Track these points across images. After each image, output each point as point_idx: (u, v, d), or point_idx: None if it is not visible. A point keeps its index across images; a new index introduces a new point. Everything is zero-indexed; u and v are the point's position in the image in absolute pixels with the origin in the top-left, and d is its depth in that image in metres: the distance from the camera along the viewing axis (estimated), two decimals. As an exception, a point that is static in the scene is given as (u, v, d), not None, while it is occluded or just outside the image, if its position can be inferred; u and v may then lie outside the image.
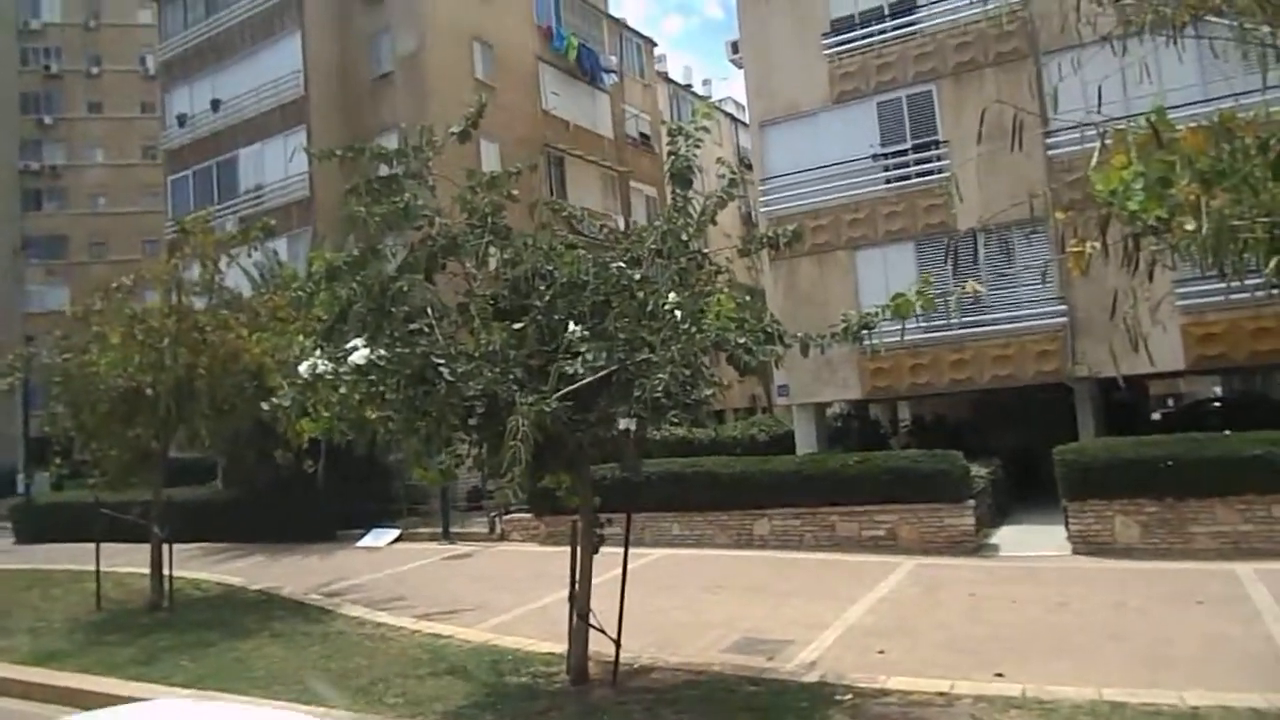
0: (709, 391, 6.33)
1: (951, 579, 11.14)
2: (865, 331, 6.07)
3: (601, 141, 31.24)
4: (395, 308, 6.07)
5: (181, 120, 28.55)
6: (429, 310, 6.24)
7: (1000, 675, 6.91)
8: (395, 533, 18.49)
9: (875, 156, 17.50)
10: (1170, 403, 37.35)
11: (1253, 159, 4.23)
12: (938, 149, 17.01)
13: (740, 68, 20.35)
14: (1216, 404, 27.80)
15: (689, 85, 43.81)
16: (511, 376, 5.90)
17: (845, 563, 12.71)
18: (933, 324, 15.42)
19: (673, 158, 6.86)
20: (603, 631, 7.16)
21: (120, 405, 11.23)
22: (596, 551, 7.10)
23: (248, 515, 19.40)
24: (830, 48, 18.03)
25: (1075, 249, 5.00)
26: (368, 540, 18.27)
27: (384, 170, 6.94)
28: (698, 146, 6.86)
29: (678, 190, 6.76)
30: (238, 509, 19.72)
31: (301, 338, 11.67)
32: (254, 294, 16.41)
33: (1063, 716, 5.94)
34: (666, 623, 9.41)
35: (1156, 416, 27.06)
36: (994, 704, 6.21)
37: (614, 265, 6.21)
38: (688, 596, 10.83)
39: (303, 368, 5.47)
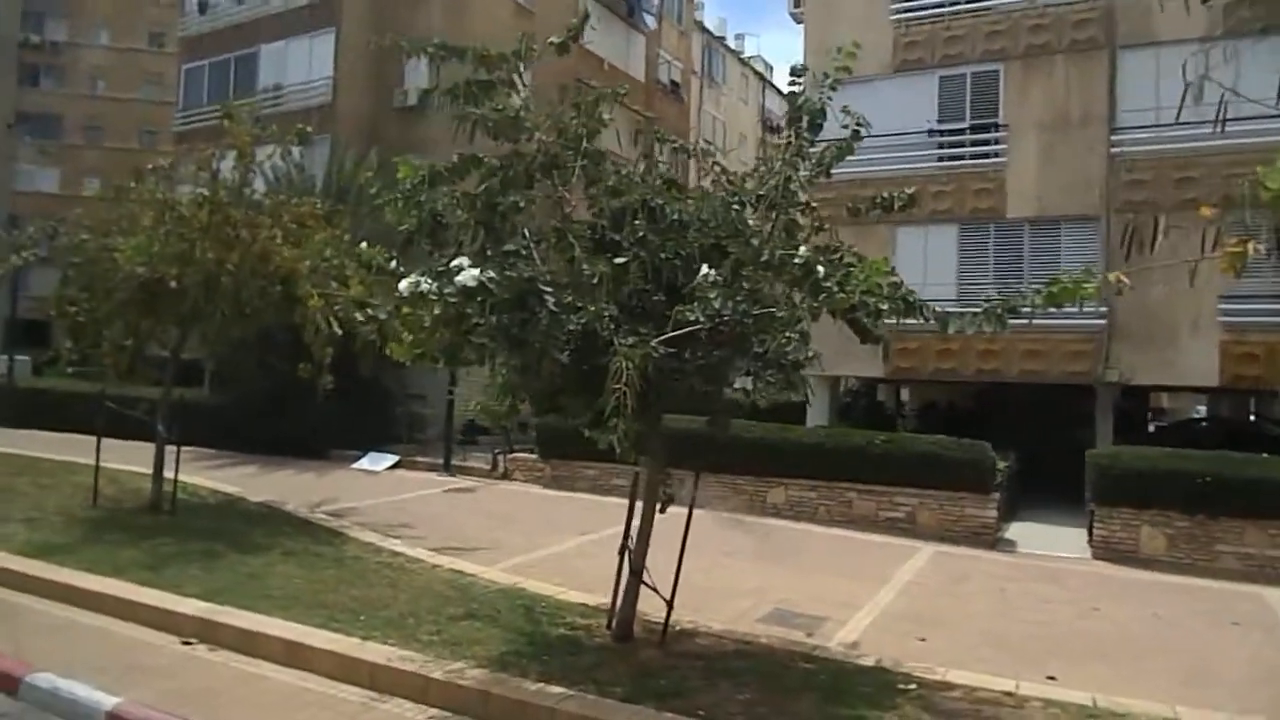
0: (810, 354, 5.94)
1: (975, 571, 10.97)
2: (1008, 315, 5.67)
3: (633, 84, 30.33)
4: (501, 224, 5.58)
5: (203, 7, 27.28)
6: (525, 233, 5.76)
7: (1053, 678, 6.70)
8: (393, 459, 18.07)
9: (931, 132, 16.91)
10: (1149, 416, 37.59)
11: None
12: (996, 131, 16.48)
13: (800, 22, 19.60)
14: (1204, 423, 28.04)
15: (722, 37, 42.72)
16: (607, 314, 5.44)
17: (861, 541, 12.51)
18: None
19: (804, 98, 6.36)
20: (656, 591, 6.84)
21: (139, 295, 10.64)
22: (664, 510, 6.74)
23: (240, 424, 18.84)
24: (899, 13, 17.33)
25: (1234, 249, 4.65)
26: (364, 463, 17.85)
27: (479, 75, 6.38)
28: (833, 89, 6.37)
29: (805, 135, 6.25)
30: (229, 416, 19.11)
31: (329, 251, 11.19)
32: (267, 195, 15.72)
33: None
34: (692, 585, 9.05)
35: (1151, 429, 27.19)
36: (1066, 710, 5.95)
37: (734, 207, 5.74)
38: (710, 560, 10.51)
39: (404, 284, 4.94)
